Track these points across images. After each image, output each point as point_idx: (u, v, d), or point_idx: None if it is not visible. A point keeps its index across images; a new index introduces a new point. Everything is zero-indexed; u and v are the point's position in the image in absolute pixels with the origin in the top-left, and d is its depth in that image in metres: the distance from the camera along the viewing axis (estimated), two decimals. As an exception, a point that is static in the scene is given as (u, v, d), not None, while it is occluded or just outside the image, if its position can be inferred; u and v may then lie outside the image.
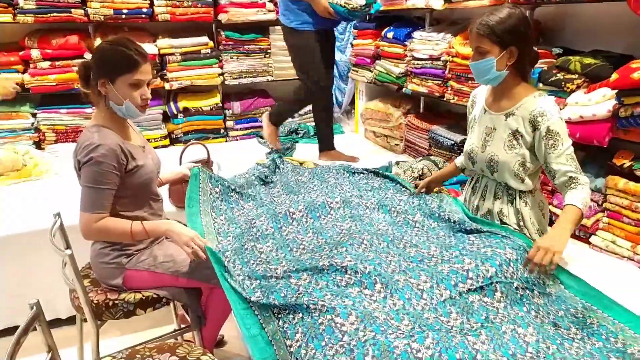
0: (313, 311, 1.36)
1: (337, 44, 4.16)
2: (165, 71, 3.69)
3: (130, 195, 1.65)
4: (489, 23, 1.59)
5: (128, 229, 1.60)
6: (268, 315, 1.41)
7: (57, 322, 2.26)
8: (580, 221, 1.60)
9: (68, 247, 1.79)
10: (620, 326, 1.37)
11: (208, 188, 2.09)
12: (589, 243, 2.07)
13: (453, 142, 2.90)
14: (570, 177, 1.62)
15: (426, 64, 3.08)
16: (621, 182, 1.93)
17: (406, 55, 3.26)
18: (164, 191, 2.00)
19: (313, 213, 1.93)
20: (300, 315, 1.37)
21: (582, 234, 2.13)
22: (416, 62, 3.15)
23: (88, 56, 1.67)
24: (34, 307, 1.24)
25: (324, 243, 1.73)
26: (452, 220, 1.82)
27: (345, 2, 2.77)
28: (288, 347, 1.30)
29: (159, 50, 3.61)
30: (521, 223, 1.78)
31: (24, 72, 3.35)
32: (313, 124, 4.18)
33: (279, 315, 1.40)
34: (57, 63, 3.35)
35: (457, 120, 3.20)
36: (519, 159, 1.71)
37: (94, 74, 1.60)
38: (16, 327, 1.17)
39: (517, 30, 1.59)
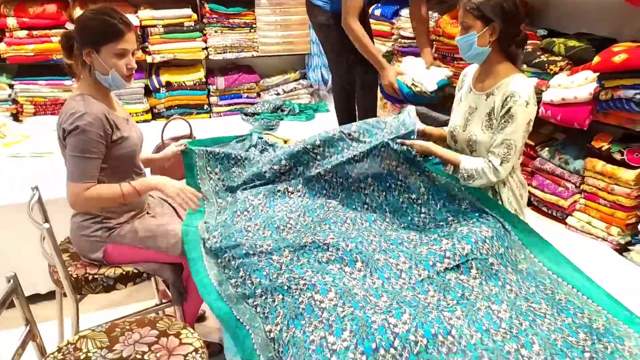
0: (294, 291, 1.38)
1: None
2: (147, 43, 3.59)
3: (114, 166, 1.64)
4: None
5: (119, 191, 1.59)
6: (242, 306, 1.46)
7: (36, 298, 2.24)
8: (449, 162, 1.79)
9: (46, 220, 1.76)
10: (584, 299, 1.42)
11: (207, 172, 2.00)
12: (566, 224, 2.12)
13: (438, 123, 2.91)
14: (489, 160, 1.67)
15: (413, 42, 3.05)
16: (599, 165, 1.97)
17: (393, 34, 3.23)
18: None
19: (310, 191, 1.91)
20: (281, 296, 1.39)
21: (559, 214, 2.18)
22: (403, 40, 3.13)
23: (70, 26, 1.61)
24: (11, 280, 1.23)
25: (310, 221, 1.74)
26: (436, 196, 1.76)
27: (412, 84, 2.56)
28: (267, 333, 1.32)
29: (140, 21, 3.51)
30: (499, 202, 1.81)
31: (0, 41, 3.24)
32: (299, 101, 4.16)
33: (255, 302, 1.43)
34: (34, 32, 3.23)
35: (443, 101, 3.20)
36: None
37: (77, 43, 1.57)
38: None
39: (501, 6, 1.61)
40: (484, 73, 1.76)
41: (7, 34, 3.22)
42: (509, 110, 1.63)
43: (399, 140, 1.73)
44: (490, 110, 1.71)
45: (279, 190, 1.90)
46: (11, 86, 3.33)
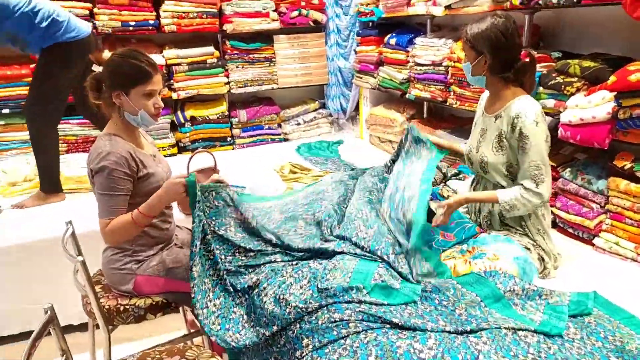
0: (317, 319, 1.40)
1: (340, 50, 4.22)
2: (172, 81, 3.76)
3: (142, 202, 1.70)
4: (468, 31, 1.75)
5: (129, 218, 1.61)
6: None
7: (69, 329, 2.31)
8: (488, 202, 1.83)
9: (80, 254, 1.83)
10: (616, 324, 1.39)
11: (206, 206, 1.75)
12: (593, 244, 2.08)
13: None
14: (521, 184, 1.72)
15: (428, 69, 3.11)
16: (622, 184, 1.95)
17: (408, 61, 3.30)
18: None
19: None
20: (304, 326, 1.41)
21: (586, 235, 2.14)
22: (418, 67, 3.19)
23: (97, 68, 1.70)
24: (48, 312, 1.28)
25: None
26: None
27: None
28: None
29: (166, 60, 3.68)
30: (523, 223, 1.81)
31: (35, 84, 3.42)
32: (319, 130, 4.23)
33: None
34: (67, 75, 3.42)
35: (461, 124, 3.22)
36: (505, 160, 1.77)
37: (106, 86, 1.66)
38: (29, 332, 1.21)
39: (489, 38, 1.70)
40: (493, 97, 1.85)
41: (42, 78, 3.41)
42: (520, 131, 1.68)
43: (434, 206, 1.80)
44: (500, 133, 1.77)
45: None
46: (45, 126, 3.50)
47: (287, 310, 1.44)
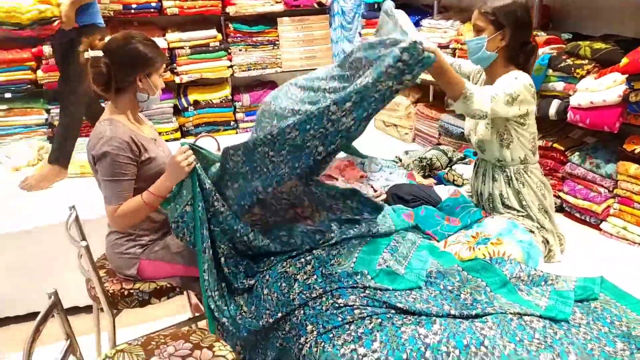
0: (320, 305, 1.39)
1: (345, 33, 4.16)
2: (174, 65, 3.72)
3: (144, 187, 1.68)
4: (491, 3, 1.69)
5: (140, 200, 1.60)
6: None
7: (75, 310, 2.32)
8: (450, 78, 1.55)
9: (84, 238, 1.83)
10: (623, 309, 1.38)
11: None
12: (600, 229, 2.06)
13: (462, 130, 2.89)
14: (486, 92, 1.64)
15: (435, 52, 3.06)
16: (632, 168, 1.92)
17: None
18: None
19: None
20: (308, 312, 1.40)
21: (593, 220, 2.12)
22: (425, 50, 3.13)
23: (94, 53, 1.63)
24: (52, 297, 1.28)
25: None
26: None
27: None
28: (300, 346, 1.33)
29: (168, 44, 3.63)
30: (523, 202, 1.80)
31: (37, 68, 3.40)
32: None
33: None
34: (69, 59, 3.39)
35: (467, 108, 3.18)
36: (496, 130, 1.77)
37: (126, 70, 1.62)
38: (35, 314, 1.21)
39: (514, 13, 1.66)
40: (490, 79, 1.81)
41: (44, 62, 3.39)
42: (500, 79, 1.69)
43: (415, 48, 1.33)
44: None
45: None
46: (48, 111, 3.48)
47: (292, 296, 1.43)
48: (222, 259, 1.60)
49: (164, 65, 1.74)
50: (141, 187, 1.67)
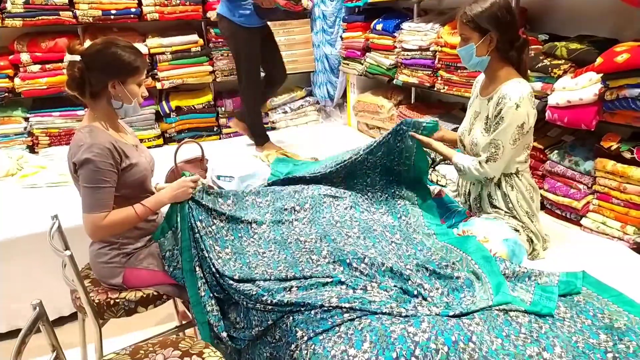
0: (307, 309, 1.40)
1: (326, 37, 4.18)
2: (156, 70, 3.69)
3: (125, 193, 1.67)
4: (470, 11, 1.69)
5: (133, 213, 1.63)
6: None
7: (60, 320, 2.28)
8: (443, 156, 1.93)
9: (67, 248, 1.80)
10: (605, 302, 1.41)
11: (211, 218, 1.76)
12: (580, 225, 2.11)
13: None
14: (479, 160, 1.78)
15: (415, 54, 3.10)
16: (609, 164, 1.97)
17: (395, 47, 3.28)
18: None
19: (317, 213, 1.82)
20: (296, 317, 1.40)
21: (574, 216, 2.17)
22: (406, 53, 3.17)
23: (71, 57, 1.62)
24: (37, 308, 1.26)
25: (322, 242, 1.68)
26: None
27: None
28: (291, 352, 1.33)
29: (149, 49, 3.61)
30: (510, 205, 1.82)
31: (14, 76, 3.34)
32: (306, 118, 4.22)
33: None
34: (47, 66, 3.35)
35: (448, 109, 3.23)
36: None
37: (98, 75, 1.60)
38: (18, 330, 1.19)
39: (495, 16, 1.67)
40: (488, 79, 1.83)
41: (21, 69, 3.33)
42: (499, 112, 1.70)
43: (409, 133, 1.86)
44: (488, 114, 1.78)
45: (285, 209, 1.84)
46: (26, 119, 3.43)
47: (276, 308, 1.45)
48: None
49: (144, 74, 1.69)
50: (123, 194, 1.65)
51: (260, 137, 3.40)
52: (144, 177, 1.73)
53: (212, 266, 1.62)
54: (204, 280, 1.62)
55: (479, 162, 1.76)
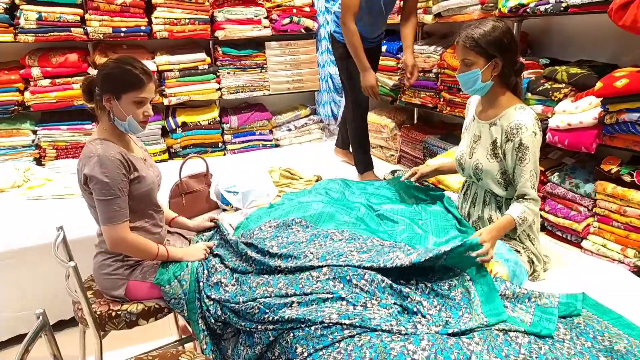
0: (308, 325, 1.40)
1: (331, 57, 4.25)
2: (163, 87, 3.75)
3: (133, 205, 1.69)
4: (474, 36, 1.67)
5: (155, 249, 1.71)
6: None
7: (61, 324, 2.29)
8: (509, 229, 1.73)
9: (71, 259, 1.82)
10: (605, 324, 1.41)
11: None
12: (581, 247, 2.11)
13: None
14: (524, 194, 1.72)
15: (419, 76, 3.15)
16: (609, 187, 1.98)
17: (399, 68, 3.33)
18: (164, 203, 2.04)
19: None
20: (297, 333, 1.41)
21: (574, 238, 2.17)
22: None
23: (91, 71, 1.70)
24: (40, 317, 1.27)
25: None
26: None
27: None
28: None
29: (157, 66, 3.68)
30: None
31: (24, 90, 3.40)
32: (310, 136, 4.26)
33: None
34: (57, 81, 3.41)
35: (450, 130, 3.26)
36: (500, 167, 1.77)
37: (98, 89, 1.65)
38: (19, 337, 1.20)
39: (500, 42, 1.66)
40: (487, 103, 1.82)
41: (32, 83, 3.40)
42: (520, 142, 1.67)
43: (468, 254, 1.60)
44: (494, 140, 1.76)
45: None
46: (34, 132, 3.47)
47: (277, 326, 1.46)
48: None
49: (148, 94, 1.66)
50: (130, 205, 1.67)
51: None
52: (150, 190, 1.76)
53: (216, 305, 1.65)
54: (205, 333, 1.66)
55: (533, 198, 1.71)
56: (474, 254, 1.55)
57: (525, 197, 1.71)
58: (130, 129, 1.69)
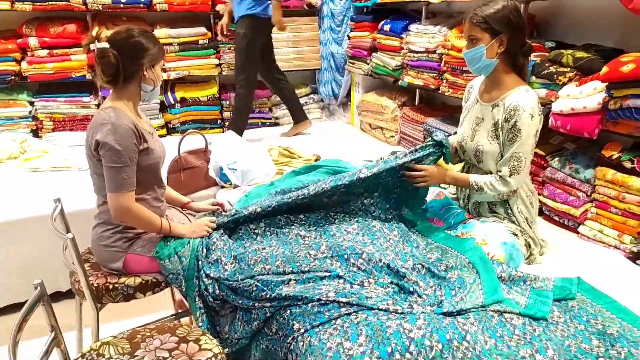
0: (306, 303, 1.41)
1: (333, 35, 4.19)
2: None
3: (139, 177, 1.69)
4: (482, 12, 1.67)
5: (158, 222, 1.69)
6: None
7: (57, 296, 2.30)
8: (460, 185, 1.88)
9: (68, 231, 1.81)
10: (599, 308, 1.43)
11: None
12: (578, 232, 2.12)
13: (448, 134, 2.94)
14: (499, 170, 1.75)
15: (422, 56, 3.11)
16: (610, 173, 1.98)
17: (402, 48, 3.29)
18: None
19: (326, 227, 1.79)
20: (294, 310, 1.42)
21: (572, 223, 2.18)
22: (412, 54, 3.19)
23: (100, 45, 1.66)
24: (38, 288, 1.27)
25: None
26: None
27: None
28: (287, 345, 1.35)
29: (156, 40, 3.62)
30: (509, 211, 1.83)
31: (21, 60, 3.35)
32: (310, 115, 4.23)
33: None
34: (55, 51, 3.36)
35: (452, 112, 3.24)
36: (500, 149, 1.76)
37: (132, 60, 1.65)
38: (18, 304, 1.20)
39: (507, 18, 1.66)
40: (490, 84, 1.80)
41: (29, 53, 3.34)
42: (515, 124, 1.67)
43: (412, 164, 1.76)
44: (495, 122, 1.75)
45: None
46: (31, 103, 3.44)
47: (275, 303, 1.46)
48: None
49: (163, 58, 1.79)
50: (137, 176, 1.67)
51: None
52: (157, 164, 1.77)
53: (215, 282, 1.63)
54: (202, 311, 1.64)
55: (501, 177, 1.72)
56: (411, 173, 1.75)
57: (500, 176, 1.74)
58: (153, 96, 1.78)
